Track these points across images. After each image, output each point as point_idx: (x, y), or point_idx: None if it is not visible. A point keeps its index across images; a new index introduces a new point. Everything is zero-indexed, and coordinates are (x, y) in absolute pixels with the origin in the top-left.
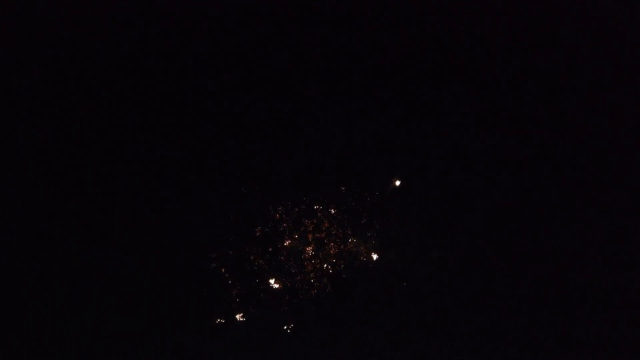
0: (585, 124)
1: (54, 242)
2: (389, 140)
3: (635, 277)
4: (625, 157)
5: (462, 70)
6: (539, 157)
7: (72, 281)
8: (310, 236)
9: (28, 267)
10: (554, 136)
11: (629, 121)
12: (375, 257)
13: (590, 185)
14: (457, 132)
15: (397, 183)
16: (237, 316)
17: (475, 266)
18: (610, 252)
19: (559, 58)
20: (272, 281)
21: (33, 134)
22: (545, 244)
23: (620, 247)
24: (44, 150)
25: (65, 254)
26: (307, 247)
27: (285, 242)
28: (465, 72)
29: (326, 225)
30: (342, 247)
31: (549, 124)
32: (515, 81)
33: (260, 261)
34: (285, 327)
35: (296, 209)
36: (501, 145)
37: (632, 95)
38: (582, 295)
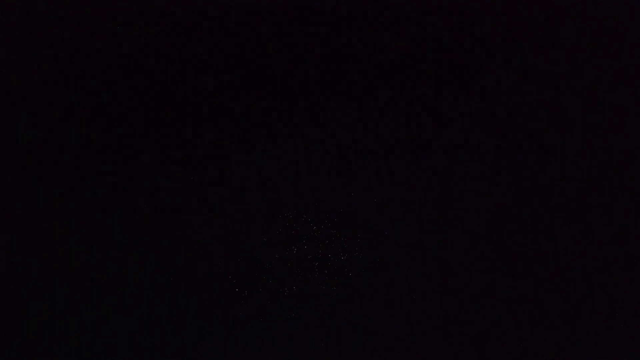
0: (584, 124)
1: (59, 242)
2: (398, 144)
3: (635, 277)
4: (625, 157)
5: (466, 72)
6: (539, 157)
7: (74, 284)
8: (318, 242)
9: (28, 267)
10: (553, 136)
11: (629, 121)
12: (383, 263)
13: (590, 186)
14: (465, 134)
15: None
16: (244, 321)
17: (476, 267)
18: (610, 252)
19: (559, 58)
20: (279, 287)
21: (33, 133)
22: (544, 244)
23: (621, 247)
24: (43, 150)
25: (69, 257)
26: (315, 253)
27: (293, 249)
28: (468, 74)
29: (334, 231)
30: (350, 253)
31: (548, 124)
32: (515, 81)
33: (268, 267)
34: (291, 333)
35: (304, 215)
36: (503, 145)
37: (632, 95)
38: (582, 296)
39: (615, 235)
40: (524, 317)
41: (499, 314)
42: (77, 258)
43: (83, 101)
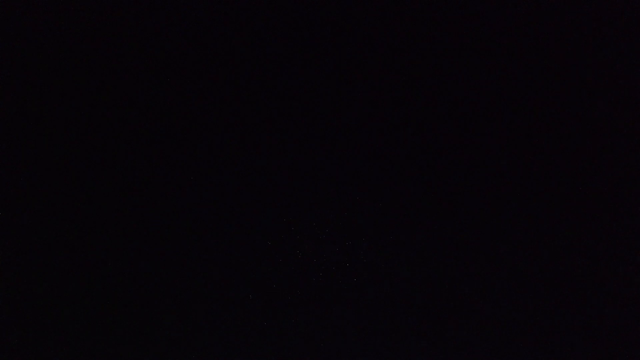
0: (584, 124)
1: (57, 242)
2: (406, 149)
3: (635, 277)
4: (625, 157)
5: (467, 72)
6: (541, 159)
7: (75, 283)
8: (322, 247)
9: (28, 267)
10: (552, 137)
11: (629, 121)
12: (389, 268)
13: (589, 186)
14: (470, 137)
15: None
16: (247, 325)
17: (482, 271)
18: (610, 252)
19: (558, 58)
20: (283, 292)
21: (33, 133)
22: (547, 247)
23: (620, 247)
24: (43, 150)
25: (68, 256)
26: (320, 258)
27: (298, 253)
28: (467, 73)
29: (339, 236)
30: (355, 258)
31: (548, 125)
32: (514, 82)
33: (271, 271)
34: (295, 337)
35: (308, 219)
36: (505, 147)
37: (632, 96)
38: (581, 295)
39: (616, 235)
40: (527, 318)
41: (506, 319)
42: (77, 258)
43: (82, 101)
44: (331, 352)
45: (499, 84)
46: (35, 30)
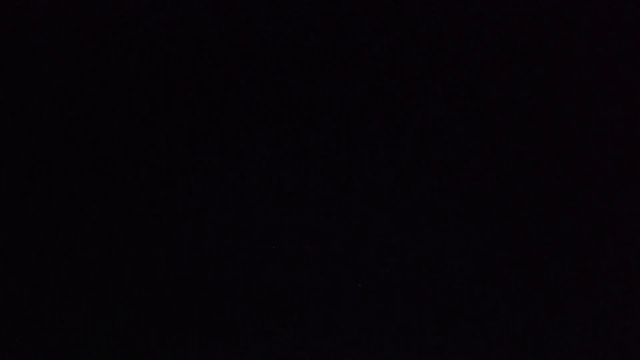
0: (583, 124)
1: (56, 243)
2: (413, 151)
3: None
4: (624, 157)
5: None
6: (538, 158)
7: (76, 284)
8: (326, 250)
9: (30, 267)
10: (551, 137)
11: (628, 122)
12: (393, 273)
13: (589, 186)
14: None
15: None
16: (248, 328)
17: (475, 267)
18: (610, 253)
19: (558, 58)
20: (285, 294)
21: (33, 133)
22: (554, 249)
23: (620, 247)
24: (43, 150)
25: (69, 256)
26: (323, 261)
27: (300, 256)
28: (465, 73)
29: (342, 239)
30: (358, 261)
31: (547, 125)
32: (513, 83)
33: (274, 274)
34: (297, 342)
35: (312, 221)
36: (507, 148)
37: (632, 96)
38: (580, 295)
39: (615, 236)
40: (534, 320)
41: (517, 325)
42: (78, 258)
43: (81, 101)
44: (333, 355)
45: (500, 86)
46: (35, 30)
